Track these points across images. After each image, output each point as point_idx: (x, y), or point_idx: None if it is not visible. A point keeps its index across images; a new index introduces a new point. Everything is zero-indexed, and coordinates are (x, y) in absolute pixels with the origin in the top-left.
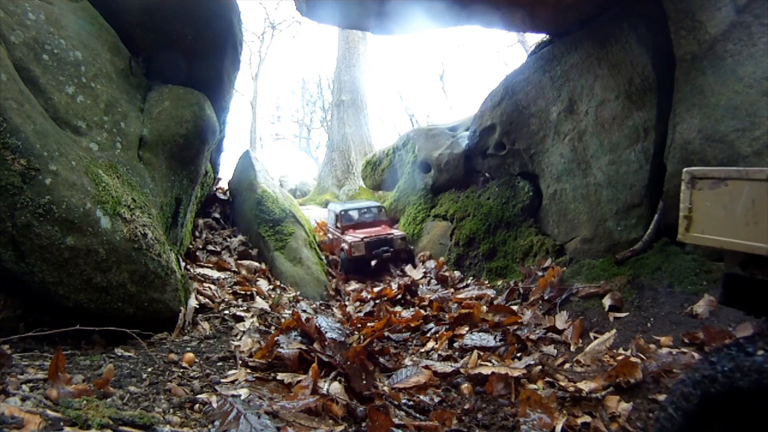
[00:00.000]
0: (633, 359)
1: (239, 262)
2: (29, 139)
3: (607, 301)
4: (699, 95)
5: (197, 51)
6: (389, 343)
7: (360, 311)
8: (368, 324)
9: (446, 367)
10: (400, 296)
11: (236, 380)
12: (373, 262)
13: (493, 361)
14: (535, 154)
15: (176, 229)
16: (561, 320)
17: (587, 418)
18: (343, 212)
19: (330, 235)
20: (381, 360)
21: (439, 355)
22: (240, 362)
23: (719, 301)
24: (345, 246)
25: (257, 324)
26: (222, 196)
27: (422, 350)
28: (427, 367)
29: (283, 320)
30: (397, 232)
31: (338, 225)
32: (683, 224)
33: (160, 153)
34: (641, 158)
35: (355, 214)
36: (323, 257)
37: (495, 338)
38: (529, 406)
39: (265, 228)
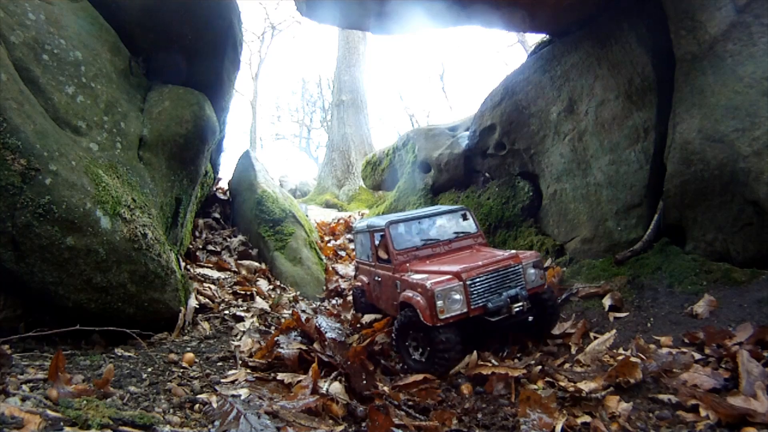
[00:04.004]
0: (633, 359)
1: (239, 262)
2: (29, 139)
3: (607, 301)
4: (699, 95)
5: (197, 51)
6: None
7: None
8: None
9: None
10: None
11: (236, 380)
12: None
13: (493, 361)
14: (535, 154)
15: (176, 229)
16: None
17: (587, 418)
18: (392, 227)
19: (364, 278)
20: (381, 360)
21: None
22: (240, 362)
23: None
24: (415, 297)
25: (257, 324)
26: (222, 196)
27: None
28: None
29: (283, 320)
30: (524, 252)
31: (381, 255)
32: None
33: (160, 153)
34: (641, 158)
35: (417, 231)
36: (323, 257)
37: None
38: (529, 406)
39: (265, 228)
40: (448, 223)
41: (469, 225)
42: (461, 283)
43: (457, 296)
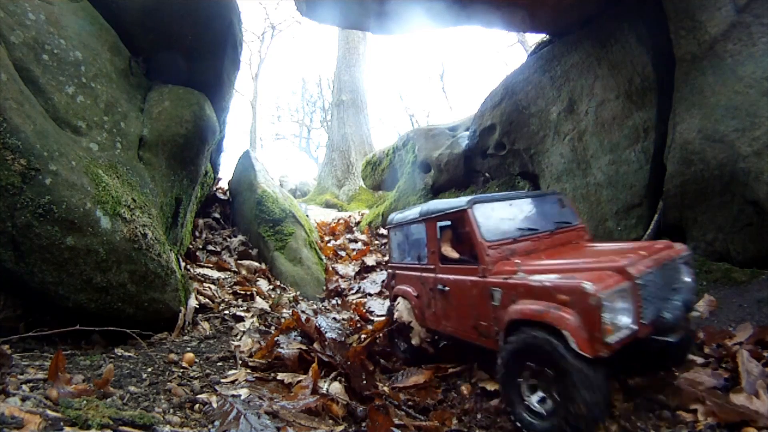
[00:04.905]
0: None
1: (239, 262)
2: (29, 139)
3: None
4: (699, 95)
5: (197, 51)
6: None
7: None
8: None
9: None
10: None
11: (236, 380)
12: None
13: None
14: (535, 154)
15: (176, 229)
16: None
17: None
18: (477, 208)
19: (410, 289)
20: (381, 360)
21: None
22: (240, 362)
23: None
24: (553, 312)
25: (257, 324)
26: (222, 196)
27: None
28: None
29: (283, 320)
30: (678, 245)
31: (449, 253)
32: None
33: (160, 153)
34: (641, 158)
35: (508, 217)
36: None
37: None
38: None
39: (265, 228)
40: (545, 209)
41: (569, 214)
42: (630, 283)
43: (626, 305)
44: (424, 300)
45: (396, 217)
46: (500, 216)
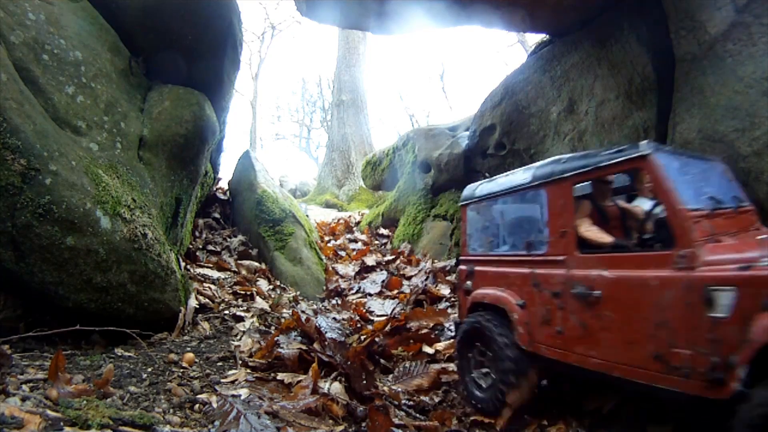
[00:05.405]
0: None
1: (239, 262)
2: (29, 139)
3: None
4: (699, 95)
5: (197, 51)
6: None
7: None
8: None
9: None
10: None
11: (236, 380)
12: None
13: None
14: (535, 154)
15: (176, 229)
16: None
17: None
18: (662, 156)
19: (510, 296)
20: (381, 360)
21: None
22: (240, 362)
23: None
24: None
25: (257, 324)
26: (222, 196)
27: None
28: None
29: (283, 320)
30: None
31: (598, 238)
32: None
33: (160, 153)
34: None
35: (694, 182)
36: (323, 255)
37: None
38: None
39: (265, 228)
40: (717, 180)
41: (738, 190)
42: None
43: None
44: (539, 312)
45: (481, 187)
46: (687, 176)
